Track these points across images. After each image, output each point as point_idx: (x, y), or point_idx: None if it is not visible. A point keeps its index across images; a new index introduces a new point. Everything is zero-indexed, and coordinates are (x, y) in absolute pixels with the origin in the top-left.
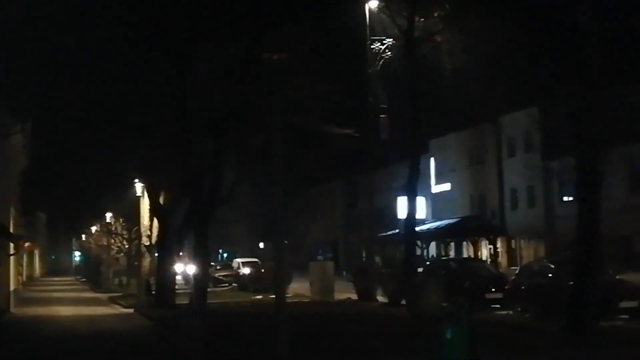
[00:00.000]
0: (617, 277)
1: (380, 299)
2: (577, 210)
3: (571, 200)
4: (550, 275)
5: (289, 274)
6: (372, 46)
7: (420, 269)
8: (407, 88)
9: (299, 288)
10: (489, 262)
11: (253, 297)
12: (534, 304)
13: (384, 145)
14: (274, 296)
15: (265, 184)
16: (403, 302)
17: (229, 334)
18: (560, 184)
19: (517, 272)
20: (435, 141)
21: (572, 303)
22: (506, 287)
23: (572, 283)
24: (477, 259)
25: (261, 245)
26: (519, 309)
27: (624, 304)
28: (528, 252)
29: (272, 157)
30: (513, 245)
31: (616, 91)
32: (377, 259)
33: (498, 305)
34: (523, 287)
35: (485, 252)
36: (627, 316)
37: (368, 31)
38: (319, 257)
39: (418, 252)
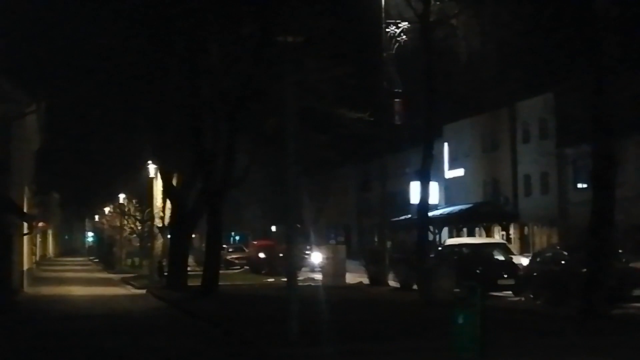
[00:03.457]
0: (630, 264)
1: (392, 283)
2: (591, 198)
3: (585, 188)
4: (562, 262)
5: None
6: (387, 30)
7: (432, 255)
8: (422, 72)
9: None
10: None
11: (265, 280)
12: (547, 290)
13: (397, 129)
14: (285, 279)
15: (278, 167)
16: (415, 287)
17: (240, 316)
18: (574, 170)
19: (530, 258)
20: (450, 126)
21: (584, 290)
22: (519, 273)
23: (584, 270)
24: (490, 244)
25: (273, 228)
26: (531, 296)
27: (637, 292)
28: (541, 238)
29: (285, 140)
30: (526, 232)
31: (632, 77)
32: (389, 243)
33: (510, 292)
34: (535, 274)
35: (497, 239)
36: (639, 304)
37: (383, 14)
38: (331, 241)
39: (430, 237)
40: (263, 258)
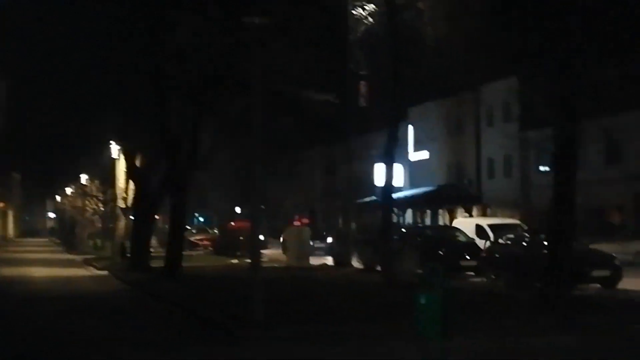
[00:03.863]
0: (590, 246)
1: (356, 265)
2: (553, 180)
3: (547, 171)
4: (524, 244)
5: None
6: (353, 12)
7: (396, 237)
8: (387, 55)
9: (274, 254)
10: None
11: (229, 261)
12: (508, 272)
13: (362, 112)
14: (249, 260)
15: (244, 149)
16: (378, 268)
17: (204, 298)
18: (537, 154)
19: (491, 240)
20: (415, 109)
21: (545, 271)
22: (481, 255)
23: (545, 252)
24: (452, 227)
25: (238, 210)
26: (493, 277)
27: (596, 273)
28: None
29: (251, 122)
30: (488, 214)
31: (597, 60)
32: (354, 225)
33: (472, 273)
34: (497, 256)
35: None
36: (598, 285)
37: None
38: (296, 223)
39: (394, 219)
40: (241, 240)
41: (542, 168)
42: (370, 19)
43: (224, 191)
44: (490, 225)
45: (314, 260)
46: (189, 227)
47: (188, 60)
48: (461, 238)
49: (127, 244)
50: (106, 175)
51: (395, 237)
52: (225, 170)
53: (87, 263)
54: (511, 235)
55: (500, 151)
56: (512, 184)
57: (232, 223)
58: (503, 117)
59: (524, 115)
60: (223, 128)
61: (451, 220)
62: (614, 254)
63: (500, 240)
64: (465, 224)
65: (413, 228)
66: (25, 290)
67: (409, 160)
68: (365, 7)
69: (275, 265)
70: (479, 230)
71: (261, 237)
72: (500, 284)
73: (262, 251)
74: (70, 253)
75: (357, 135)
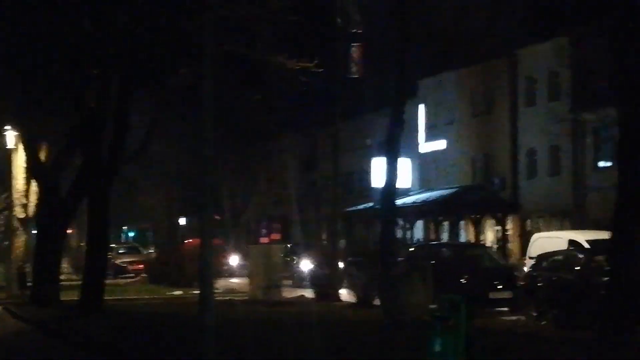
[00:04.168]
0: None
1: (346, 297)
2: (618, 179)
3: (610, 167)
4: (578, 267)
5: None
6: None
7: (401, 258)
8: (391, 7)
9: (234, 282)
10: (494, 249)
11: (170, 293)
12: (555, 305)
13: (355, 85)
14: (198, 292)
15: (191, 137)
16: (377, 302)
17: (134, 344)
18: (595, 144)
19: (533, 263)
20: (427, 82)
21: (606, 304)
22: (518, 284)
23: (607, 278)
24: (479, 244)
25: (182, 221)
26: (535, 314)
27: None
28: None
29: (201, 100)
30: (529, 227)
31: None
32: (343, 242)
33: (506, 308)
34: (541, 284)
35: (490, 236)
36: None
37: None
38: (264, 239)
39: (399, 233)
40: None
41: (602, 164)
42: None
43: (164, 196)
44: (590, 242)
45: (288, 292)
46: (114, 246)
47: (112, 12)
48: (490, 260)
49: (28, 268)
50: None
51: (400, 258)
52: (165, 166)
53: None
54: (559, 256)
55: (545, 140)
56: (561, 185)
57: (190, 241)
58: (548, 94)
59: (578, 90)
60: (163, 107)
61: (477, 236)
62: None
63: (543, 264)
64: (553, 239)
65: (424, 246)
66: None
67: (419, 153)
68: None
69: (236, 298)
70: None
71: (235, 260)
72: (545, 323)
73: (232, 279)
74: None
75: (348, 118)
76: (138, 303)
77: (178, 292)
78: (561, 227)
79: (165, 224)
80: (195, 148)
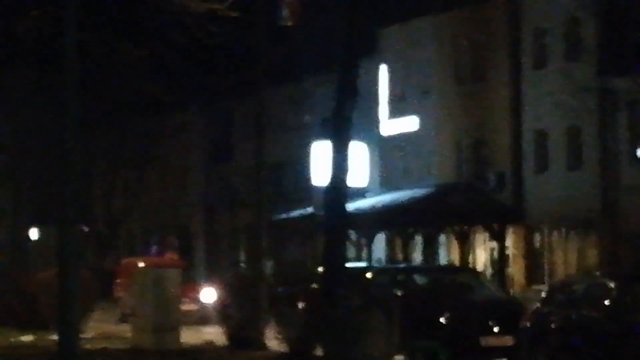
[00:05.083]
0: None
1: (273, 344)
2: None
3: None
4: (607, 302)
5: (91, 292)
6: None
7: (352, 288)
8: None
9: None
10: (489, 275)
11: (16, 339)
12: (576, 358)
13: (289, 39)
14: (56, 337)
15: (47, 112)
16: (320, 352)
17: None
18: (631, 123)
19: (543, 295)
20: (393, 32)
21: None
22: (522, 325)
23: None
24: (466, 268)
25: (33, 232)
26: None
27: None
28: (566, 255)
29: (61, 56)
30: (537, 242)
31: None
32: (270, 264)
33: (505, 359)
34: (554, 325)
35: (483, 256)
36: None
37: None
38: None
39: (351, 252)
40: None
41: None
42: None
43: (9, 198)
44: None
45: (190, 334)
46: None
47: None
48: (482, 291)
49: None
50: None
51: (350, 288)
52: (8, 156)
53: None
54: (579, 285)
55: (560, 118)
56: (584, 182)
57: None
58: (565, 51)
59: (607, 46)
60: (5, 68)
61: (463, 256)
62: None
63: (558, 296)
64: None
65: (388, 270)
66: None
67: (381, 136)
68: None
69: (115, 346)
70: None
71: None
72: None
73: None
74: None
75: (277, 84)
76: None
77: (28, 338)
78: (583, 245)
79: (9, 237)
80: (52, 128)
